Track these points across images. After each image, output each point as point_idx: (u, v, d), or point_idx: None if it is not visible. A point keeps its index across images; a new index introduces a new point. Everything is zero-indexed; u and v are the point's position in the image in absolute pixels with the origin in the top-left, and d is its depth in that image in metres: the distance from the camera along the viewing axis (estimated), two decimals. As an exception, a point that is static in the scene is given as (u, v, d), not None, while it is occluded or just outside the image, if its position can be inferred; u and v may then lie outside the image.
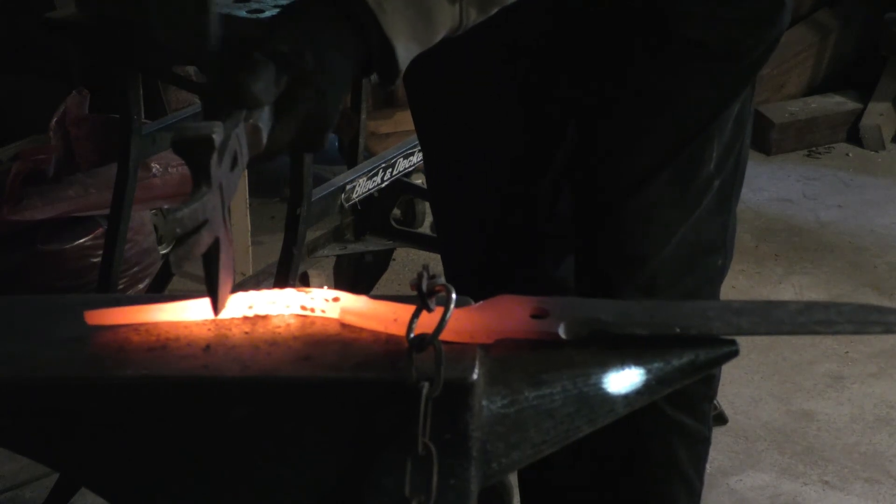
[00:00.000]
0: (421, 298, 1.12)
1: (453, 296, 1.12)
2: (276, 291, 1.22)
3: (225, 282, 1.12)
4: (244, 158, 1.17)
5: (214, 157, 1.08)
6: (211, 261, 1.10)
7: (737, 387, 2.89)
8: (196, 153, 1.08)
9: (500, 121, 1.75)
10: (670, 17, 1.58)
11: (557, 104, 1.72)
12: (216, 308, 1.12)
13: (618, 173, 1.68)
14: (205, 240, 1.08)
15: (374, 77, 1.31)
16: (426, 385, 1.08)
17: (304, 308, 1.21)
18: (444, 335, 1.11)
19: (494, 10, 1.34)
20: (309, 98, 1.22)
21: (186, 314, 1.20)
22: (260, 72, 1.19)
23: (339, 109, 1.25)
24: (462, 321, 1.15)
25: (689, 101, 1.64)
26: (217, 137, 1.09)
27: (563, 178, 1.79)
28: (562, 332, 1.16)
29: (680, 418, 1.78)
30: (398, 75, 1.28)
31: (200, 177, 1.08)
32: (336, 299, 1.20)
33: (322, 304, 1.21)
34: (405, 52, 1.27)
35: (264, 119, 1.19)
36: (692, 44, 1.59)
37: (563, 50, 1.66)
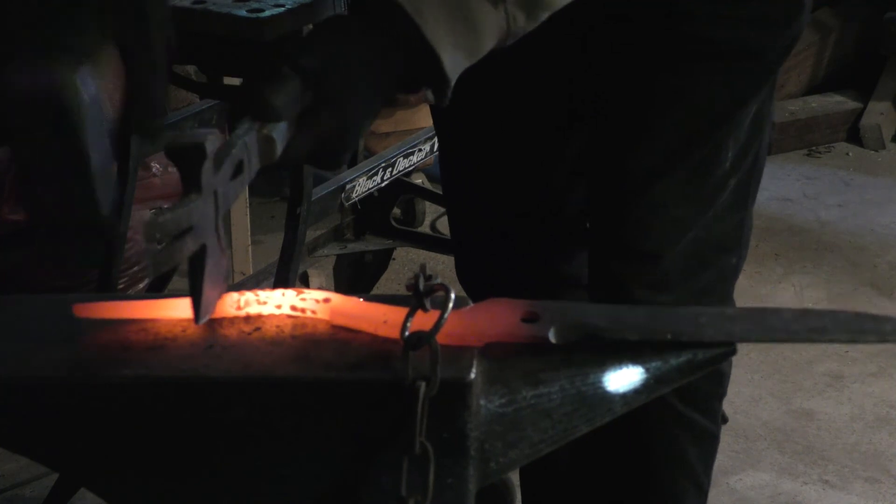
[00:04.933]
0: (417, 298, 1.12)
1: (452, 295, 1.12)
2: (266, 292, 1.21)
3: (211, 290, 1.12)
4: (252, 168, 1.16)
5: (207, 164, 1.08)
6: (196, 267, 1.10)
7: (737, 386, 2.89)
8: (187, 160, 1.07)
9: (514, 116, 1.74)
10: (674, 15, 1.58)
11: (571, 100, 1.72)
12: (198, 315, 1.12)
13: (630, 170, 1.67)
14: (188, 246, 1.07)
15: (429, 94, 1.27)
16: (423, 385, 1.08)
17: (294, 309, 1.20)
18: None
19: (544, 17, 1.30)
20: (331, 117, 1.21)
21: (178, 312, 1.19)
22: (283, 86, 1.18)
23: (361, 131, 1.23)
24: (452, 324, 1.13)
25: (702, 100, 1.63)
26: (210, 146, 1.08)
27: (577, 173, 1.79)
28: (552, 337, 1.15)
29: (690, 415, 1.77)
30: (448, 86, 1.25)
31: (190, 184, 1.08)
32: (327, 300, 1.20)
33: (312, 305, 1.20)
34: (452, 63, 1.24)
35: (281, 131, 1.18)
36: (701, 42, 1.59)
37: (577, 47, 1.66)
